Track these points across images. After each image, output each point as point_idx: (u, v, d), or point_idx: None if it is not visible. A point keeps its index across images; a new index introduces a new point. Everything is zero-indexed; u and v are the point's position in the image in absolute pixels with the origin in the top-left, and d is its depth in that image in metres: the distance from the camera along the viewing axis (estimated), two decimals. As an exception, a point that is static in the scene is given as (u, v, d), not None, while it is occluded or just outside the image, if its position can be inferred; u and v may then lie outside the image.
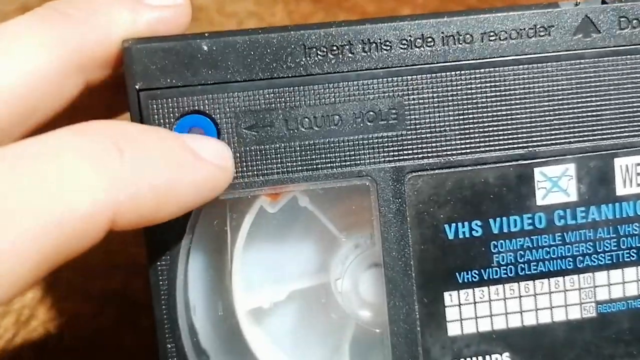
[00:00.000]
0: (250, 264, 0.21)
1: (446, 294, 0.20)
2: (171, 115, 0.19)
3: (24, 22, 0.17)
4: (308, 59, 0.19)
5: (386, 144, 0.19)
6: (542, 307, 0.20)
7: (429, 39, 0.19)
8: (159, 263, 0.19)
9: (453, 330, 0.20)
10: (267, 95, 0.19)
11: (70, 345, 0.26)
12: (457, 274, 0.20)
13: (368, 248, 0.21)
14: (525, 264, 0.20)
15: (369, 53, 0.19)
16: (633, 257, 0.20)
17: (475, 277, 0.20)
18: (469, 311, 0.20)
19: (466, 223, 0.20)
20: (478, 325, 0.20)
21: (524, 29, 0.19)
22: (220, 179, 0.18)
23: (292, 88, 0.19)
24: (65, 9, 0.17)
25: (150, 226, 0.17)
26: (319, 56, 0.19)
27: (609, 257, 0.20)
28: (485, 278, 0.20)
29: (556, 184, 0.20)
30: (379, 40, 0.19)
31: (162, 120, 0.19)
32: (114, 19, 0.18)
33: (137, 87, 0.18)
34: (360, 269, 0.21)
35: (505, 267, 0.20)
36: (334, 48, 0.19)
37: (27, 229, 0.13)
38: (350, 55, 0.19)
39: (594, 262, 0.20)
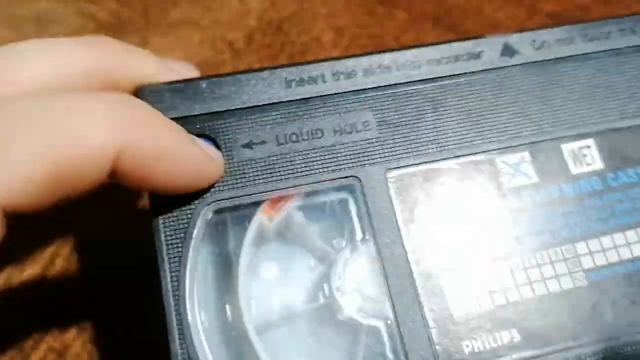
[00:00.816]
0: (255, 280, 0.22)
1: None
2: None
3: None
4: (289, 89, 0.23)
5: (364, 149, 0.22)
6: (535, 280, 0.21)
7: (386, 68, 0.24)
8: (168, 265, 0.20)
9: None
10: (258, 119, 0.22)
11: None
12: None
13: (360, 246, 0.22)
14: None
15: (337, 81, 0.23)
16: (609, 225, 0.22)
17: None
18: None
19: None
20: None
21: (461, 54, 0.24)
22: (211, 167, 0.21)
23: (278, 112, 0.23)
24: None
25: (158, 229, 0.19)
26: (297, 86, 0.23)
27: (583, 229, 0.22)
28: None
29: (518, 170, 0.23)
30: (345, 71, 0.23)
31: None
32: (144, 67, 0.22)
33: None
34: (358, 268, 0.22)
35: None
36: (309, 79, 0.23)
37: (43, 141, 0.16)
38: (323, 83, 0.23)
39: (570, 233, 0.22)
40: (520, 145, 0.23)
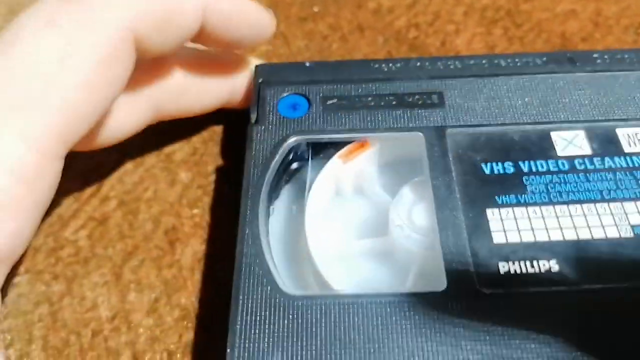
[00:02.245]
0: (321, 215, 0.25)
1: (488, 210, 0.23)
2: (277, 94, 0.27)
3: None
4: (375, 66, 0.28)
5: (430, 113, 0.26)
6: (580, 226, 0.22)
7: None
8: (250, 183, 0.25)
9: (498, 239, 0.22)
10: (343, 87, 0.27)
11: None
12: (496, 197, 0.23)
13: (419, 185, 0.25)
14: (557, 193, 0.23)
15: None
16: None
17: (513, 200, 0.23)
18: (511, 225, 0.23)
19: (499, 162, 0.24)
20: (522, 237, 0.22)
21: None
22: (268, 20, 0.26)
23: (362, 84, 0.28)
24: None
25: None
26: (382, 66, 0.28)
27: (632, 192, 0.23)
28: (522, 202, 0.23)
29: (571, 143, 0.25)
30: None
31: (271, 97, 0.27)
32: None
33: (259, 81, 0.28)
34: (414, 204, 0.25)
35: (539, 194, 0.23)
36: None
37: None
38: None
39: (620, 195, 0.23)
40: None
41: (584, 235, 0.22)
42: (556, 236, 0.22)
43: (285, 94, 0.27)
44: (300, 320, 0.20)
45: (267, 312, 0.21)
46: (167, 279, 0.26)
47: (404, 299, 0.21)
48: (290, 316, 0.21)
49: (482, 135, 0.25)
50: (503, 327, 0.20)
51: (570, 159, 0.24)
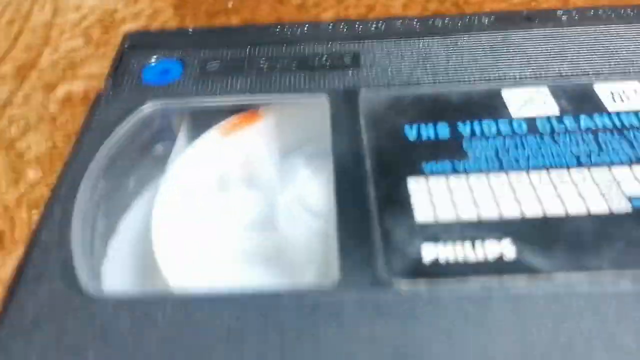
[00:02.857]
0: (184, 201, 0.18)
1: (410, 179, 0.16)
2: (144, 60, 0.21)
3: None
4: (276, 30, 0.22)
5: (341, 75, 0.20)
6: (549, 198, 0.15)
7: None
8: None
9: (422, 216, 0.15)
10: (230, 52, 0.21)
11: None
12: (423, 163, 0.16)
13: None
14: (512, 159, 0.16)
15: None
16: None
17: (447, 167, 0.16)
18: (443, 198, 0.15)
19: (430, 125, 0.17)
20: (458, 213, 0.15)
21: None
22: None
23: (255, 48, 0.21)
24: None
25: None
26: (285, 29, 0.22)
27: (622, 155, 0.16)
28: (460, 169, 0.16)
29: (530, 101, 0.18)
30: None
31: (137, 63, 0.21)
32: None
33: (125, 46, 0.22)
34: (308, 181, 0.17)
35: (485, 161, 0.16)
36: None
37: None
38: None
39: (606, 159, 0.16)
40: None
41: (555, 209, 0.15)
42: (512, 212, 0.15)
43: (153, 60, 0.21)
44: (98, 329, 0.13)
45: (51, 313, 0.13)
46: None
47: (270, 297, 0.13)
48: (84, 321, 0.13)
49: (407, 96, 0.19)
50: (420, 333, 0.12)
51: (530, 119, 0.17)
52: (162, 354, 0.12)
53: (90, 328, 0.13)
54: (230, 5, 0.31)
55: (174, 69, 0.20)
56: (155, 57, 0.21)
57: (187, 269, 0.16)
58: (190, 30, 0.22)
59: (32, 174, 0.23)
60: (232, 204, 0.19)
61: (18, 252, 0.19)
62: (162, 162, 0.19)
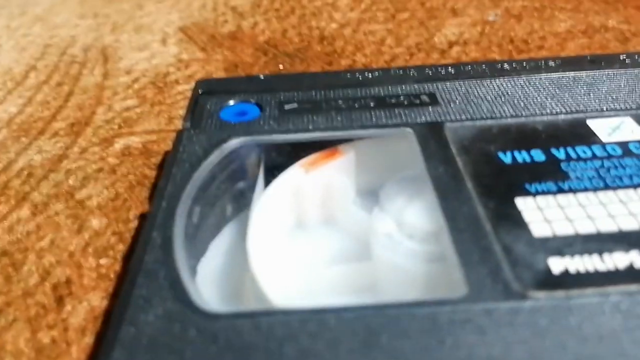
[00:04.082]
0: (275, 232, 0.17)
1: (518, 201, 0.15)
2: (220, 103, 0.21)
3: None
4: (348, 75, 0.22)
5: (421, 111, 0.20)
6: (663, 211, 0.15)
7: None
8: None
9: (539, 230, 0.14)
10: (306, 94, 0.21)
11: None
12: (526, 185, 0.16)
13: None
14: (616, 178, 0.16)
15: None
16: None
17: (552, 187, 0.16)
18: (556, 214, 0.15)
19: (523, 151, 0.17)
20: (576, 227, 0.14)
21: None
22: None
23: (330, 90, 0.21)
24: None
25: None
26: (356, 75, 0.22)
27: None
28: (565, 188, 0.16)
29: (618, 129, 0.18)
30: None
31: (212, 105, 0.21)
32: None
33: (199, 92, 0.22)
34: (405, 205, 0.17)
35: (588, 180, 0.16)
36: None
37: None
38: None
39: None
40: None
41: None
42: (631, 224, 0.14)
43: (231, 102, 0.21)
44: (222, 345, 0.12)
45: (168, 333, 0.12)
46: (43, 344, 0.17)
47: (401, 309, 0.12)
48: (206, 338, 0.12)
49: (493, 127, 0.19)
50: (561, 341, 0.11)
51: (622, 143, 0.17)
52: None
53: (213, 344, 0.12)
54: (281, 67, 0.32)
55: (251, 110, 0.21)
56: (231, 100, 0.21)
57: (288, 289, 0.15)
58: (262, 76, 0.23)
59: (95, 222, 0.22)
60: (313, 240, 0.18)
61: (89, 299, 0.19)
62: (247, 193, 0.18)
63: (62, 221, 0.22)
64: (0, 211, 0.23)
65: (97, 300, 0.19)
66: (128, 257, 0.20)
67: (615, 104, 0.19)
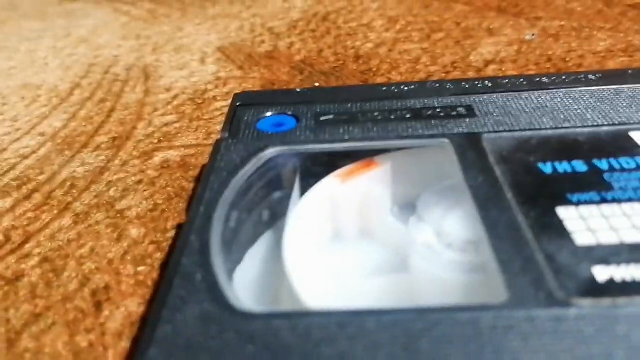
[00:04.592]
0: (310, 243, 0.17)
1: (560, 210, 0.15)
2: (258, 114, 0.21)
3: None
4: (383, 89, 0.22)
5: (458, 123, 0.20)
6: None
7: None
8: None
9: (583, 240, 0.14)
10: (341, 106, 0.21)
11: None
12: (567, 195, 0.16)
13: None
14: (662, 189, 0.16)
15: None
16: None
17: (595, 197, 0.15)
18: (600, 224, 0.14)
19: (565, 162, 0.17)
20: (621, 236, 0.14)
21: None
22: None
23: (366, 103, 0.22)
24: None
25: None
26: (391, 88, 0.22)
27: None
28: (609, 199, 0.15)
29: (663, 141, 0.18)
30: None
31: (250, 117, 0.21)
32: None
33: (237, 104, 0.22)
34: (443, 216, 0.17)
35: (633, 191, 0.16)
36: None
37: None
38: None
39: None
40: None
41: None
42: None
43: (268, 114, 0.21)
44: (258, 345, 0.12)
45: (205, 333, 0.12)
46: (81, 347, 0.17)
47: (442, 314, 0.12)
48: (242, 339, 0.12)
49: (533, 138, 0.18)
50: (608, 349, 0.11)
51: (667, 154, 0.17)
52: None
53: (250, 344, 0.12)
54: (317, 85, 0.32)
55: (288, 121, 0.21)
56: (269, 111, 0.21)
57: (324, 300, 0.15)
58: (298, 90, 0.23)
59: (135, 231, 0.22)
60: (350, 251, 0.18)
61: (127, 305, 0.19)
62: (283, 202, 0.18)
63: (102, 230, 0.23)
64: (43, 220, 0.24)
65: (135, 307, 0.19)
66: (165, 265, 0.21)
67: (659, 117, 0.19)
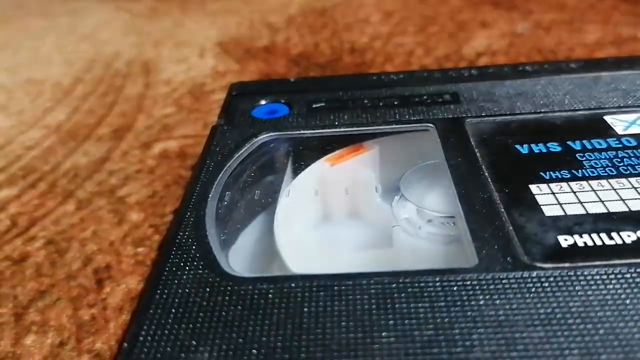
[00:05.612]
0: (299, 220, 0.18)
1: (532, 186, 0.16)
2: (252, 102, 0.22)
3: None
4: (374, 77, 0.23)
5: (443, 109, 0.21)
6: (675, 195, 0.15)
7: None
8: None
9: (551, 211, 0.15)
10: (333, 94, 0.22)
11: None
12: (541, 172, 0.17)
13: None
14: (629, 167, 0.16)
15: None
16: None
17: (566, 174, 0.16)
18: (568, 198, 0.15)
19: (540, 143, 0.18)
20: (587, 208, 0.15)
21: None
22: None
23: (356, 91, 0.23)
24: None
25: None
26: (381, 77, 0.23)
27: None
28: (580, 175, 0.16)
29: (634, 123, 0.19)
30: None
31: (244, 104, 0.22)
32: None
33: (232, 94, 0.23)
34: (423, 193, 0.18)
35: (602, 169, 0.16)
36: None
37: None
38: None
39: None
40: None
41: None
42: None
43: (261, 102, 0.22)
44: (247, 305, 0.13)
45: (198, 295, 0.13)
46: (83, 320, 0.18)
47: (414, 277, 0.13)
48: (232, 300, 0.13)
49: (512, 122, 0.19)
50: (565, 306, 0.12)
51: (638, 136, 0.18)
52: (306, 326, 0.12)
53: (239, 305, 0.13)
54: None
55: (281, 109, 0.22)
56: (263, 100, 0.22)
57: (311, 265, 0.16)
58: (292, 79, 0.24)
59: (135, 216, 0.23)
60: (337, 229, 0.19)
61: (127, 282, 0.20)
62: (276, 182, 0.19)
63: (104, 215, 0.24)
64: (48, 206, 0.25)
65: (134, 284, 0.20)
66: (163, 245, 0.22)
67: (634, 101, 0.20)
